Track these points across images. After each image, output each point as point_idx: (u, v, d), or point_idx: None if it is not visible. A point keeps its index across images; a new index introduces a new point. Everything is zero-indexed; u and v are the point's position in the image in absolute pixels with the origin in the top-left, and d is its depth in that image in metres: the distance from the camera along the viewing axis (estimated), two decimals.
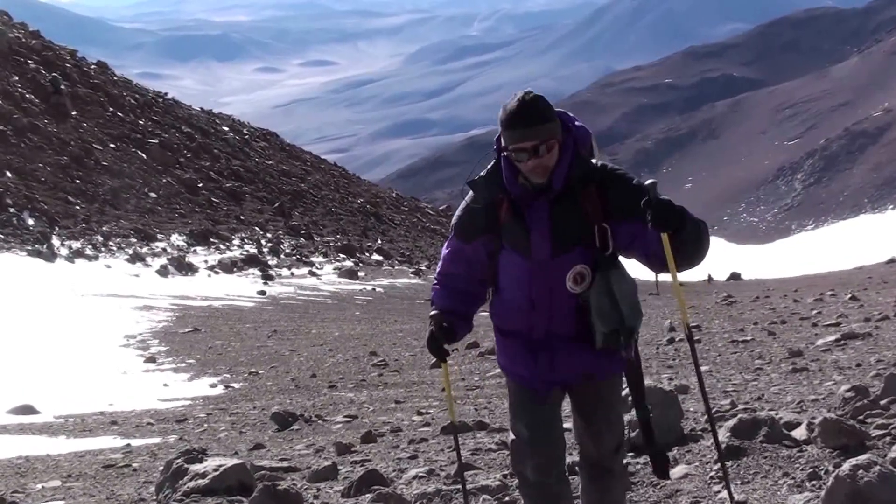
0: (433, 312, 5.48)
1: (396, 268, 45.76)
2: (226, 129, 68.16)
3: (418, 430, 10.49)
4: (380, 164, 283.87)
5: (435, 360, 5.54)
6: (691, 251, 5.03)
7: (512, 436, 5.47)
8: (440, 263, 5.63)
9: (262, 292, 35.65)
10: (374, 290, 38.42)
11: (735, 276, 44.97)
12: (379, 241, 53.76)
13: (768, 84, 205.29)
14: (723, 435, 7.13)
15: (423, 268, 46.82)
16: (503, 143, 5.11)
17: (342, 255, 46.85)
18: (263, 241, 46.28)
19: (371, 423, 11.54)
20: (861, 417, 7.69)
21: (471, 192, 5.35)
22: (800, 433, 7.22)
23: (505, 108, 5.05)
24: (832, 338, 14.57)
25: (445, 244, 5.61)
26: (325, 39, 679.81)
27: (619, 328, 5.07)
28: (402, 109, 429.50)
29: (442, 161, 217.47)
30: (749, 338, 16.26)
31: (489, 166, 5.30)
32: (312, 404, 13.85)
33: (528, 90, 5.05)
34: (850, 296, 23.01)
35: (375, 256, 49.03)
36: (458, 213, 5.46)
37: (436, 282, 5.67)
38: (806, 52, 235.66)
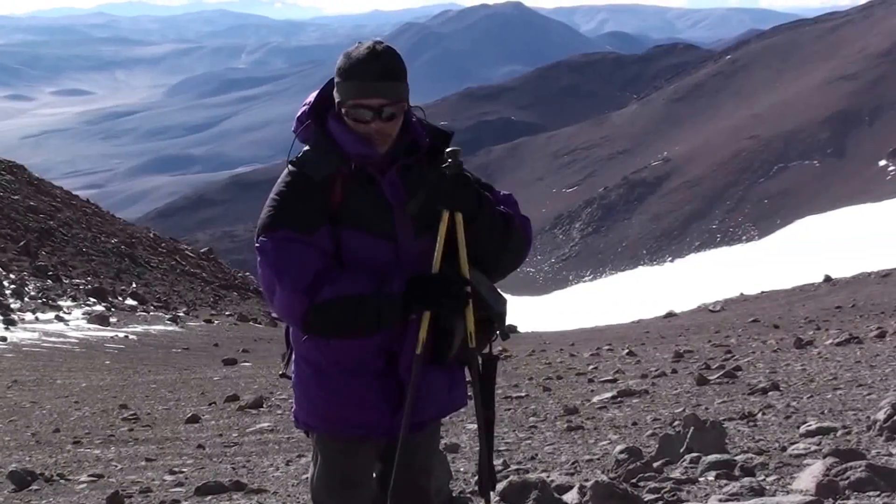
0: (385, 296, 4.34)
1: (152, 314, 44.90)
2: None
3: (170, 490, 10.27)
4: (137, 202, 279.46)
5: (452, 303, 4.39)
6: (493, 250, 4.58)
7: None
8: (285, 278, 4.39)
9: (3, 338, 34.60)
10: (126, 337, 37.62)
11: (510, 329, 45.71)
12: (134, 285, 52.70)
13: (546, 129, 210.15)
14: (491, 499, 7.13)
15: (181, 314, 46.13)
16: (340, 98, 4.48)
17: (93, 299, 45.76)
18: (6, 283, 44.95)
19: (119, 482, 11.24)
20: (634, 480, 7.83)
21: (284, 177, 4.54)
22: (571, 497, 7.26)
23: (349, 55, 4.47)
24: (609, 395, 14.86)
25: (271, 252, 4.43)
26: (81, 67, 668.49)
27: (490, 314, 4.51)
28: (163, 144, 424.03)
29: (204, 200, 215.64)
30: (524, 394, 16.43)
31: (312, 140, 4.61)
32: (54, 462, 13.44)
33: (378, 40, 4.49)
34: (627, 351, 23.54)
35: (129, 301, 48.06)
36: (274, 203, 4.49)
37: (306, 304, 4.37)
38: (584, 98, 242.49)
